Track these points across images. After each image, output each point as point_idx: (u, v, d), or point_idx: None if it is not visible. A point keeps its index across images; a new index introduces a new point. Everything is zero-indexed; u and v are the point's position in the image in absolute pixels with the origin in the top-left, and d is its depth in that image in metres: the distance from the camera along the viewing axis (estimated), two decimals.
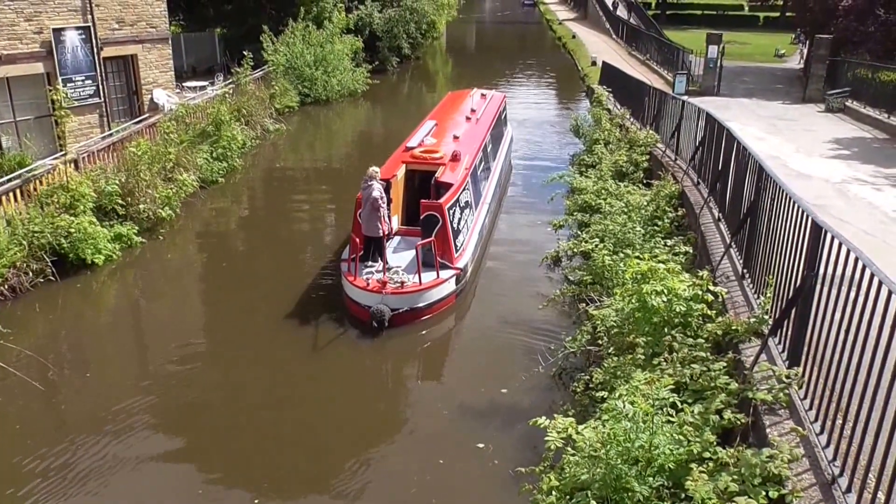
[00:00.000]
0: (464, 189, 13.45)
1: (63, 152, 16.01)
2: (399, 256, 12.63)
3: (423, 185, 13.77)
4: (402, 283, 11.66)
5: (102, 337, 11.96)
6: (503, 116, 20.77)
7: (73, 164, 14.62)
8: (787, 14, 46.45)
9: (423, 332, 11.78)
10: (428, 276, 11.78)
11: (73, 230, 13.08)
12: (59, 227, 12.97)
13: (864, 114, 21.18)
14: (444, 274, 12.05)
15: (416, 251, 11.80)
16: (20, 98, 16.53)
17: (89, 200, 13.93)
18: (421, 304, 11.72)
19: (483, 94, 20.45)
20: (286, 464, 8.52)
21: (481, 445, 8.64)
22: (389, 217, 12.55)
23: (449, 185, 13.01)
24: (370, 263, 12.21)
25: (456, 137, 15.57)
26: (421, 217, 12.35)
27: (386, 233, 12.32)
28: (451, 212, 12.53)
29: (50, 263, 12.68)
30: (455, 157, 14.07)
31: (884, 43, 24.53)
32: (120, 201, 14.53)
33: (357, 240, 12.14)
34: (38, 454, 8.46)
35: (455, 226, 12.66)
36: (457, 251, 12.57)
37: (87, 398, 9.80)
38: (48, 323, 12.10)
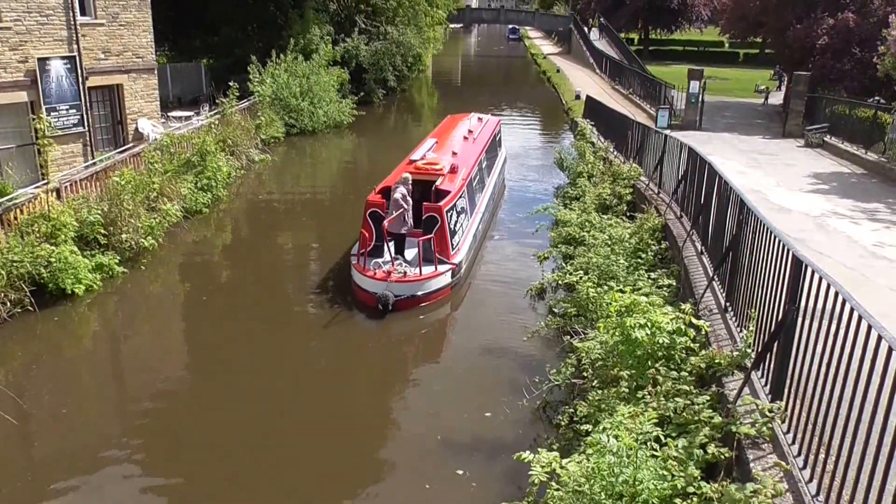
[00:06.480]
0: (460, 196, 15.05)
1: (45, 181, 15.89)
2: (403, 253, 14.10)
3: (424, 193, 15.05)
4: (405, 273, 13.26)
5: (81, 369, 11.75)
6: (498, 138, 22.75)
7: (55, 193, 14.51)
8: (767, 51, 47.45)
9: (421, 316, 13.28)
10: (427, 269, 13.42)
11: (53, 259, 12.92)
12: (39, 256, 12.80)
13: (843, 149, 21.55)
14: (442, 267, 13.68)
15: (418, 245, 13.36)
16: (3, 127, 16.45)
17: (71, 230, 13.76)
18: (420, 293, 13.30)
19: (479, 118, 22.35)
20: (272, 491, 8.36)
21: (461, 472, 8.59)
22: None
23: (447, 193, 14.63)
24: (377, 258, 13.62)
25: (454, 153, 17.17)
26: (423, 218, 13.94)
27: (402, 231, 13.94)
28: (449, 214, 14.13)
29: (29, 293, 12.49)
30: (453, 170, 15.77)
31: (860, 80, 25.11)
32: (102, 231, 14.37)
33: (367, 235, 13.72)
34: (10, 493, 8.23)
35: (452, 227, 14.21)
36: (453, 249, 14.16)
37: (63, 433, 9.57)
38: (25, 354, 11.86)
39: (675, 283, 10.66)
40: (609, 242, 12.97)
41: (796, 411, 5.62)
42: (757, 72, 46.17)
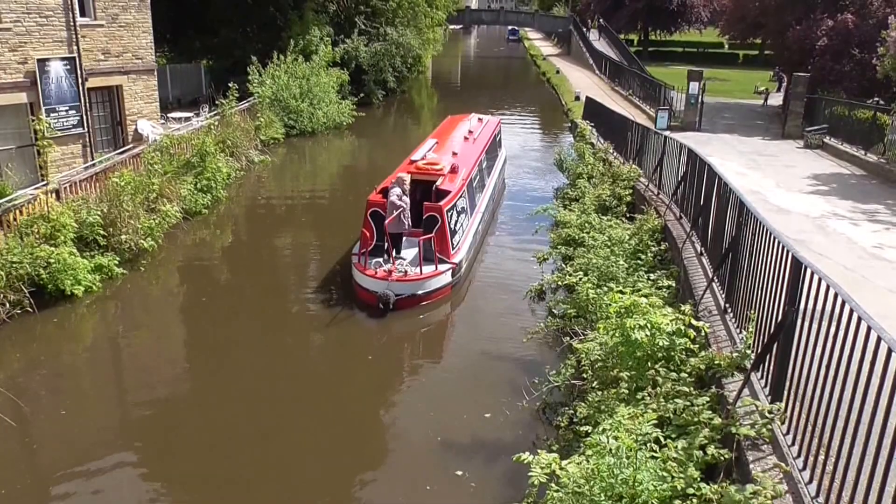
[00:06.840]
0: (460, 196, 15.19)
1: (45, 182, 15.89)
2: (404, 252, 14.25)
3: (425, 193, 15.25)
4: (406, 272, 13.40)
5: (80, 370, 11.74)
6: (498, 139, 22.72)
7: (54, 194, 14.50)
8: (766, 52, 47.46)
9: (422, 315, 13.41)
10: (428, 269, 13.56)
11: (52, 261, 12.90)
12: (38, 257, 12.78)
13: (842, 150, 21.55)
14: (442, 267, 13.82)
15: (418, 244, 13.53)
16: (2, 128, 16.45)
17: (70, 231, 13.75)
18: (421, 292, 13.42)
19: (480, 118, 22.44)
20: (272, 491, 8.36)
21: (460, 473, 8.59)
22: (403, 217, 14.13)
23: (447, 192, 14.78)
24: (378, 257, 13.77)
25: (455, 153, 17.31)
26: (423, 218, 14.09)
27: (403, 230, 14.11)
28: (449, 214, 14.28)
29: (28, 294, 12.48)
30: (454, 170, 15.93)
31: (859, 81, 25.09)
32: (101, 232, 14.36)
33: (367, 234, 13.92)
34: (10, 494, 8.22)
35: (452, 227, 14.36)
36: (453, 248, 14.30)
37: (62, 434, 9.55)
38: (24, 356, 11.84)
39: (674, 285, 10.66)
40: (609, 244, 12.97)
41: (796, 412, 5.62)
42: (756, 73, 46.16)
